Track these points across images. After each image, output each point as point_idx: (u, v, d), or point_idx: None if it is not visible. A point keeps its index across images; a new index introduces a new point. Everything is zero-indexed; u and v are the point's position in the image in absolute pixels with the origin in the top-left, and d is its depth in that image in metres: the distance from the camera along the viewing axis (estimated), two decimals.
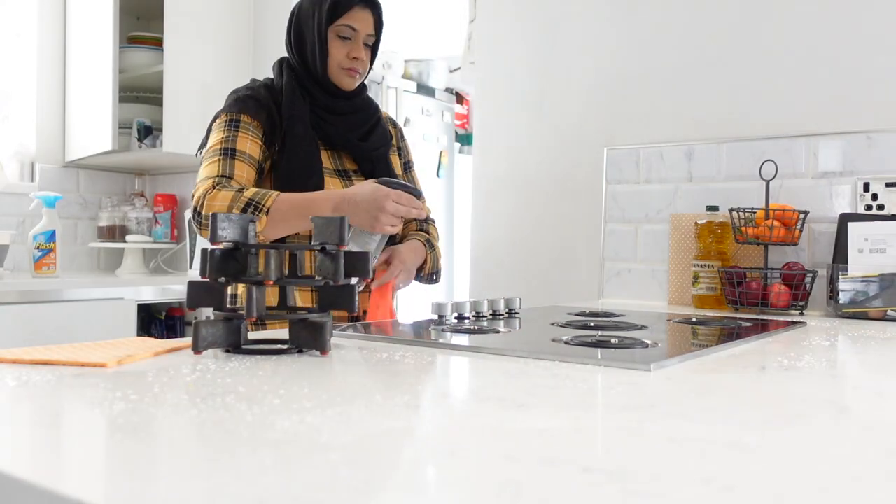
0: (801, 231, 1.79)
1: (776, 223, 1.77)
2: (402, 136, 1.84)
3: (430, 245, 1.71)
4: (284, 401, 0.63)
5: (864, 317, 1.59)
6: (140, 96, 2.94)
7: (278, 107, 1.56)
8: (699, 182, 2.04)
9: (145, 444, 0.51)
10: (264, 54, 2.84)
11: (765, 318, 1.54)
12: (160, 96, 2.64)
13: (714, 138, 2.03)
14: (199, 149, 1.63)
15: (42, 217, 2.42)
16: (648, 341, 1.03)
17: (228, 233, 0.88)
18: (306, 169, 1.53)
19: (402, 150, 1.81)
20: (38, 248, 2.38)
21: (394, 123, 1.83)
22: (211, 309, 0.91)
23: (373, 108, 1.72)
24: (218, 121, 1.56)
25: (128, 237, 2.84)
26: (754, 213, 1.80)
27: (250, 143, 1.52)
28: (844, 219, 1.74)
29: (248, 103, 1.55)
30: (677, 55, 2.12)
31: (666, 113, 2.13)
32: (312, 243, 0.95)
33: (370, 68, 1.66)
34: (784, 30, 1.95)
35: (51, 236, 2.40)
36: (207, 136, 1.59)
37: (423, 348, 0.96)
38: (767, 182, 1.80)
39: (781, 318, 1.55)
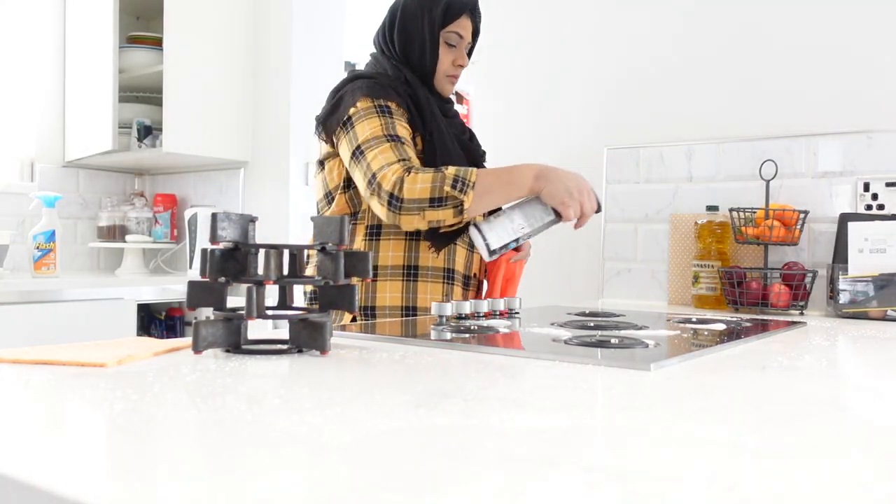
0: (801, 231, 1.79)
1: (776, 223, 1.77)
2: None
3: None
4: (284, 401, 0.63)
5: (864, 317, 1.59)
6: (140, 96, 2.94)
7: (408, 96, 1.50)
8: (699, 182, 2.04)
9: (145, 444, 0.51)
10: (264, 54, 2.84)
11: (765, 318, 1.54)
12: (160, 96, 2.64)
13: (714, 138, 2.03)
14: (321, 123, 1.52)
15: (42, 217, 2.42)
16: (648, 341, 1.03)
17: (228, 233, 0.88)
18: (456, 153, 1.50)
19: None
20: (37, 248, 2.38)
21: None
22: (211, 309, 0.91)
23: (459, 114, 1.69)
24: (361, 105, 1.44)
25: (128, 237, 2.84)
26: (754, 213, 1.80)
27: (404, 131, 1.45)
28: (844, 219, 1.74)
29: (387, 91, 1.47)
30: (677, 55, 2.12)
31: (666, 113, 2.13)
32: (312, 243, 0.95)
33: None
34: (784, 30, 1.95)
35: (51, 236, 2.40)
36: (336, 111, 1.49)
37: (423, 348, 0.96)
38: (767, 182, 1.80)
39: (781, 318, 1.55)
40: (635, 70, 2.19)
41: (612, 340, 1.04)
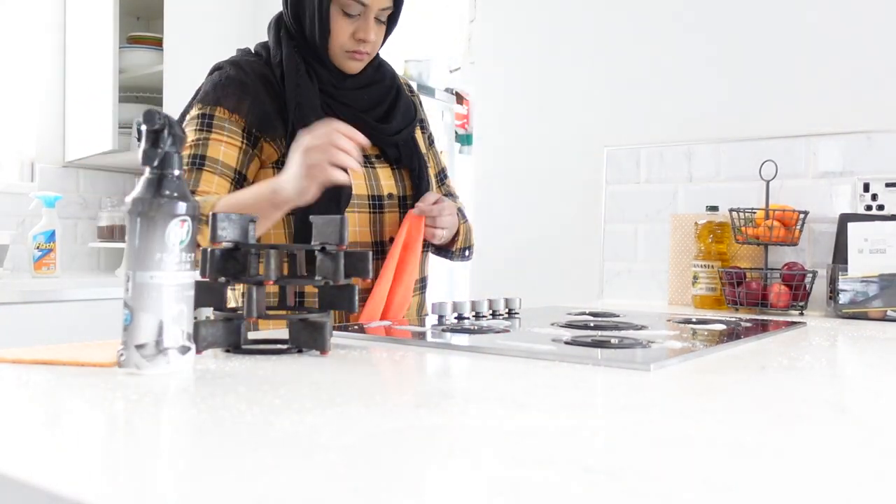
0: (801, 231, 1.79)
1: (776, 223, 1.77)
2: (421, 104, 1.57)
3: (463, 216, 1.50)
4: (284, 401, 0.63)
5: (864, 317, 1.59)
6: (140, 96, 2.94)
7: (274, 84, 1.32)
8: (699, 182, 2.04)
9: (145, 444, 0.51)
10: None
11: (765, 318, 1.54)
12: (160, 96, 2.65)
13: (714, 138, 2.03)
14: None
15: (42, 217, 2.42)
16: (648, 341, 1.03)
17: (228, 233, 0.88)
18: None
19: (425, 123, 1.56)
20: (37, 248, 2.38)
21: (411, 90, 1.55)
22: (211, 309, 0.91)
23: (388, 77, 1.45)
24: (192, 113, 1.32)
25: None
26: (754, 213, 1.80)
27: (224, 148, 1.29)
28: (844, 219, 1.74)
29: (227, 90, 1.31)
30: (677, 55, 2.12)
31: (666, 113, 2.13)
32: (312, 243, 0.95)
33: (383, 43, 1.40)
34: (784, 30, 1.95)
35: (51, 236, 2.40)
36: (180, 125, 1.42)
37: (423, 348, 0.96)
38: (767, 182, 1.80)
39: (781, 319, 1.55)
40: (635, 70, 2.19)
41: (612, 340, 1.04)
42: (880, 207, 1.78)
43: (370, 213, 1.36)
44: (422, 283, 1.49)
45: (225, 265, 0.90)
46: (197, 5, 2.68)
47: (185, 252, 0.75)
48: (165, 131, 0.74)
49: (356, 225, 1.35)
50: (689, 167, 2.06)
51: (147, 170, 0.75)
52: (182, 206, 0.75)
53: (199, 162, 1.28)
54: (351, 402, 0.63)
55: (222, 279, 0.90)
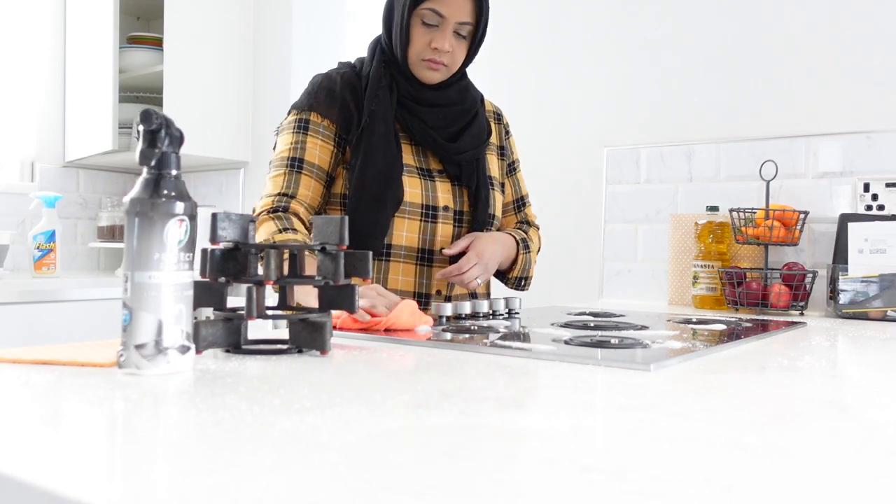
0: (801, 231, 1.79)
1: (776, 223, 1.77)
2: (508, 132, 1.65)
3: (526, 246, 1.55)
4: (284, 401, 0.63)
5: (864, 317, 1.59)
6: (140, 96, 2.94)
7: (359, 92, 1.42)
8: (699, 182, 2.04)
9: (145, 444, 0.51)
10: (264, 54, 2.84)
11: (765, 318, 1.54)
12: (160, 96, 2.64)
13: (714, 138, 2.03)
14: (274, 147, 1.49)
15: (42, 217, 2.42)
16: (648, 341, 1.03)
17: (228, 233, 0.88)
18: (384, 174, 1.38)
19: (506, 150, 1.63)
20: (38, 248, 2.38)
21: (499, 118, 1.63)
22: (211, 309, 0.91)
23: (470, 100, 1.52)
24: (289, 118, 1.45)
25: None
26: (754, 213, 1.80)
27: (320, 151, 1.40)
28: (844, 219, 1.74)
29: (319, 97, 1.42)
30: (677, 55, 2.12)
31: (666, 113, 2.13)
32: (312, 243, 0.95)
33: (469, 61, 1.46)
34: (784, 30, 1.95)
35: (51, 236, 2.40)
36: (276, 131, 1.48)
37: (424, 348, 0.96)
38: (767, 182, 1.80)
39: (781, 319, 1.55)
40: (635, 70, 2.19)
41: (612, 340, 1.04)
42: (880, 207, 1.78)
43: (421, 220, 1.43)
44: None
45: (225, 265, 0.90)
46: (197, 5, 2.68)
47: (183, 252, 0.75)
48: (163, 131, 0.74)
49: (405, 230, 1.42)
50: (689, 167, 2.06)
51: (145, 170, 0.75)
52: (180, 206, 0.75)
53: (297, 165, 1.39)
54: (351, 402, 0.63)
55: (222, 279, 0.90)
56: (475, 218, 1.49)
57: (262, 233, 1.30)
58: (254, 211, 1.37)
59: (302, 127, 1.41)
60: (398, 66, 1.43)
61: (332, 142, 1.41)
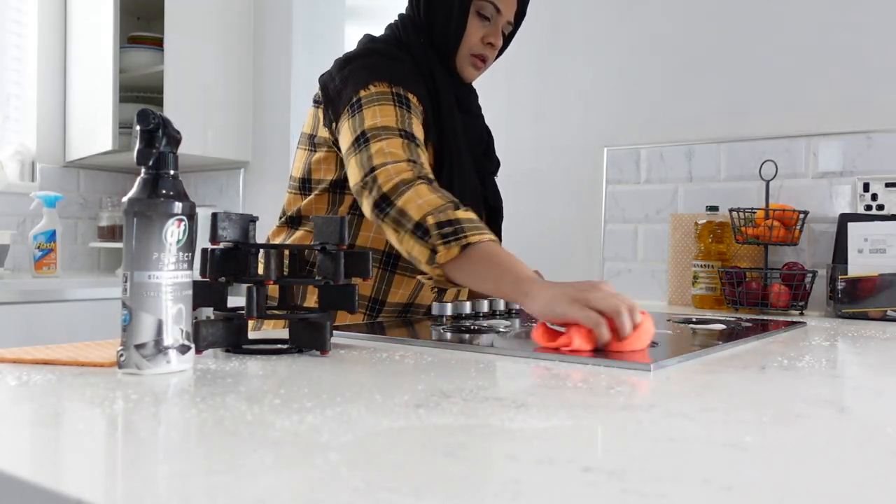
0: (800, 231, 1.79)
1: (776, 223, 1.77)
2: None
3: None
4: (284, 401, 0.63)
5: (863, 317, 1.59)
6: (140, 96, 2.94)
7: (424, 82, 1.30)
8: (699, 182, 2.04)
9: (145, 444, 0.51)
10: (264, 54, 2.84)
11: (765, 318, 1.54)
12: (160, 96, 2.65)
13: (714, 138, 2.03)
14: (330, 101, 1.27)
15: (42, 217, 2.42)
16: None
17: (228, 233, 0.88)
18: (470, 176, 1.30)
19: None
20: (38, 247, 2.38)
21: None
22: (211, 309, 0.91)
23: (482, 117, 1.48)
24: (376, 88, 1.22)
25: None
26: (754, 213, 1.80)
27: (419, 133, 1.23)
28: (844, 219, 1.74)
29: (413, 81, 1.26)
30: (677, 55, 2.12)
31: (666, 113, 2.13)
32: (313, 243, 0.95)
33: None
34: (784, 30, 1.95)
35: (51, 236, 2.40)
36: (345, 87, 1.25)
37: (423, 348, 0.96)
38: (767, 182, 1.80)
39: (781, 319, 1.55)
40: (635, 70, 2.19)
41: None
42: (880, 207, 1.78)
43: None
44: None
45: (225, 265, 0.90)
46: (197, 5, 2.69)
47: (182, 251, 0.75)
48: (160, 131, 0.74)
49: None
50: (689, 167, 2.06)
51: (142, 170, 0.75)
52: (178, 206, 0.75)
53: (412, 138, 1.18)
54: (351, 402, 0.63)
55: (222, 279, 0.90)
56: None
57: (424, 199, 1.07)
58: (375, 178, 1.12)
59: (403, 102, 1.22)
60: (440, 57, 1.33)
61: (422, 129, 1.26)
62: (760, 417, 0.62)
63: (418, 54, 1.32)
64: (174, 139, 0.76)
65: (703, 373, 0.83)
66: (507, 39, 1.41)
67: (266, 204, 2.79)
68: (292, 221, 1.36)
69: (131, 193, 0.75)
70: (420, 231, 1.06)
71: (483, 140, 1.46)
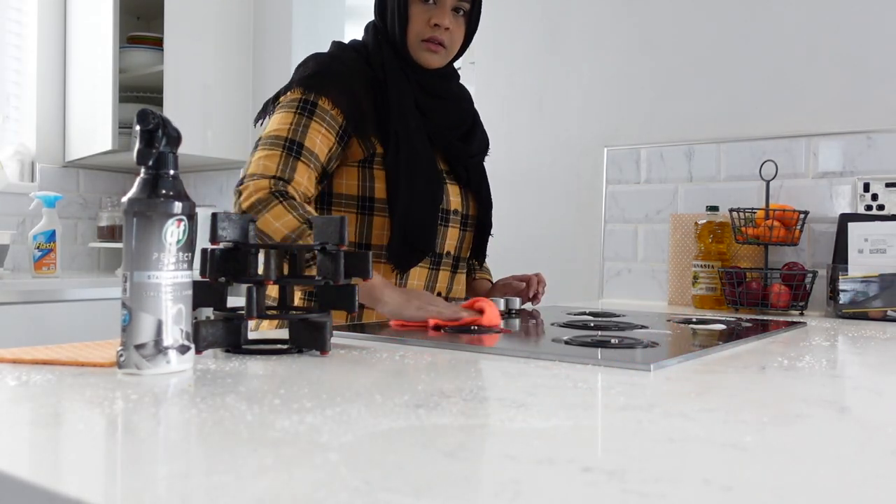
0: (801, 231, 1.79)
1: (776, 223, 1.77)
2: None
3: None
4: (284, 401, 0.63)
5: (864, 317, 1.59)
6: (140, 96, 2.95)
7: (373, 85, 1.33)
8: (699, 182, 2.04)
9: (145, 444, 0.51)
10: (264, 54, 2.84)
11: (765, 318, 1.54)
12: (160, 96, 2.65)
13: (714, 138, 2.03)
14: (257, 119, 1.37)
15: (42, 217, 2.42)
16: (648, 341, 1.03)
17: (228, 233, 0.88)
18: (428, 173, 1.32)
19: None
20: (38, 247, 2.38)
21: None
22: (211, 309, 0.91)
23: (467, 99, 1.48)
24: (290, 95, 1.30)
25: None
26: (754, 213, 1.80)
27: (321, 140, 1.26)
28: (844, 219, 1.74)
29: (331, 82, 1.29)
30: (677, 55, 2.12)
31: (666, 113, 2.13)
32: (313, 243, 0.95)
33: (465, 46, 1.41)
34: (784, 30, 1.95)
35: (51, 236, 2.40)
36: (272, 104, 1.33)
37: (423, 348, 0.96)
38: (767, 182, 1.80)
39: (781, 319, 1.55)
40: (635, 70, 2.19)
41: (612, 340, 1.04)
42: (880, 207, 1.78)
43: (439, 225, 1.38)
44: None
45: (225, 265, 0.90)
46: (197, 5, 2.69)
47: (182, 251, 0.75)
48: (159, 131, 0.74)
49: (382, 228, 1.35)
50: (689, 167, 2.06)
51: (142, 170, 0.75)
52: (178, 206, 0.75)
53: (296, 150, 1.24)
54: (351, 402, 0.63)
55: (222, 279, 0.90)
56: (480, 222, 1.47)
57: (280, 222, 1.15)
58: (240, 192, 1.21)
59: (307, 109, 1.27)
60: (398, 53, 1.35)
61: (335, 133, 1.28)
62: (760, 417, 0.62)
63: (373, 54, 1.36)
64: (174, 139, 0.76)
65: (703, 373, 0.83)
66: (472, 18, 1.39)
67: None
68: None
69: (131, 193, 0.75)
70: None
71: (463, 123, 1.45)
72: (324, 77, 1.30)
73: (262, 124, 1.36)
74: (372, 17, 1.43)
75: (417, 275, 1.38)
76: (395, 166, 1.30)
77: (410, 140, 1.31)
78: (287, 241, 1.14)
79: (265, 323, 1.33)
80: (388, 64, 1.34)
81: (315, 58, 1.36)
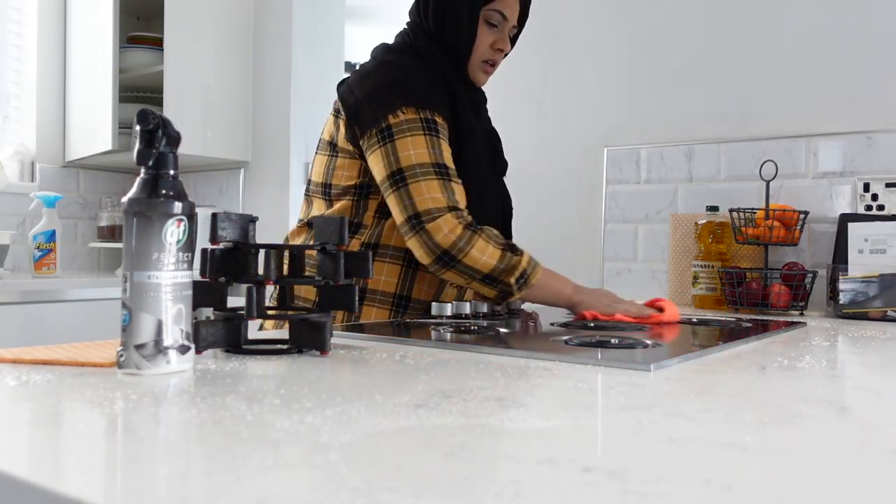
0: (801, 231, 1.79)
1: (776, 223, 1.77)
2: None
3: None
4: (284, 401, 0.63)
5: (864, 317, 1.59)
6: (140, 96, 2.95)
7: (449, 101, 1.36)
8: (699, 182, 2.04)
9: (145, 444, 0.51)
10: (264, 54, 2.84)
11: (765, 318, 1.54)
12: (160, 96, 2.65)
13: (714, 138, 2.03)
14: (355, 117, 1.32)
15: (42, 217, 2.42)
16: (648, 341, 1.03)
17: (228, 233, 0.88)
18: (488, 178, 1.40)
19: None
20: (38, 248, 2.38)
21: None
22: (211, 309, 0.91)
23: (490, 119, 1.55)
24: (404, 116, 1.27)
25: None
26: (754, 213, 1.80)
27: (448, 153, 1.30)
28: (844, 219, 1.74)
29: (435, 96, 1.31)
30: (677, 55, 2.12)
31: (666, 113, 2.13)
32: (313, 243, 0.95)
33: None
34: (784, 30, 1.95)
35: (51, 236, 2.40)
36: (370, 107, 1.30)
37: (423, 348, 0.96)
38: (767, 182, 1.80)
39: (781, 319, 1.54)
40: (635, 70, 2.19)
41: (612, 340, 1.04)
42: (880, 207, 1.78)
43: None
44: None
45: (225, 265, 0.90)
46: (197, 5, 2.68)
47: (182, 251, 0.75)
48: (160, 131, 0.74)
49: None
50: (689, 167, 2.06)
51: (142, 170, 0.75)
52: (178, 206, 0.75)
53: (445, 173, 1.28)
54: (351, 402, 0.63)
55: (222, 279, 0.90)
56: (504, 234, 1.49)
57: (488, 256, 1.23)
58: (428, 231, 1.23)
59: (431, 128, 1.29)
60: (452, 65, 1.38)
61: (448, 143, 1.33)
62: (760, 417, 0.62)
63: (432, 62, 1.37)
64: (174, 139, 0.76)
65: (703, 373, 0.83)
66: (513, 41, 1.47)
67: (266, 204, 2.79)
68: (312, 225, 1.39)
69: (131, 193, 0.75)
70: (489, 280, 1.26)
71: (492, 142, 1.52)
72: (425, 92, 1.31)
73: (358, 135, 1.33)
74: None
75: (387, 271, 1.36)
76: (466, 185, 1.34)
77: (478, 156, 1.38)
78: (495, 271, 1.25)
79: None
80: (448, 75, 1.37)
81: (400, 65, 1.35)
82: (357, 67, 1.44)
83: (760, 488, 0.43)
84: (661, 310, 1.32)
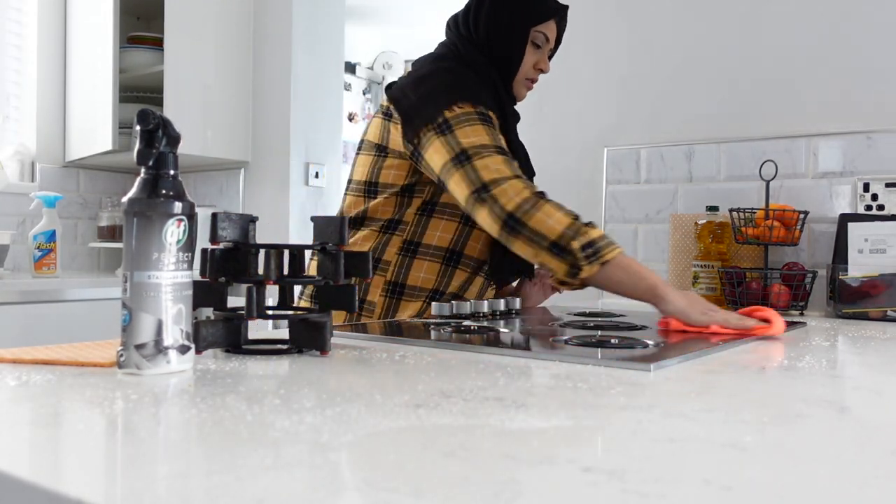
0: (801, 231, 1.79)
1: (776, 223, 1.77)
2: None
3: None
4: (284, 401, 0.63)
5: (864, 317, 1.59)
6: (140, 96, 2.95)
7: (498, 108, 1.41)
8: (699, 182, 2.04)
9: (145, 444, 0.51)
10: (264, 54, 2.84)
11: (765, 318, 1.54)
12: (160, 96, 2.65)
13: (714, 138, 2.03)
14: (408, 116, 1.34)
15: (42, 217, 2.42)
16: (648, 341, 1.03)
17: (228, 233, 0.88)
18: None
19: None
20: (38, 248, 2.38)
21: None
22: (211, 309, 0.91)
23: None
24: (460, 109, 1.30)
25: None
26: (754, 213, 1.80)
27: (505, 144, 1.34)
28: (844, 219, 1.74)
29: (488, 97, 1.37)
30: (677, 55, 2.12)
31: (666, 113, 2.13)
32: (313, 243, 0.95)
33: None
34: (784, 30, 1.95)
35: (51, 236, 2.40)
36: (424, 106, 1.32)
37: (423, 348, 0.96)
38: (767, 182, 1.80)
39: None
40: (635, 70, 2.19)
41: (612, 340, 1.04)
42: (880, 207, 1.78)
43: (459, 223, 1.42)
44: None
45: (225, 265, 0.90)
46: (197, 5, 2.68)
47: (182, 251, 0.75)
48: (160, 131, 0.74)
49: (439, 230, 1.40)
50: (689, 167, 2.06)
51: (142, 170, 0.75)
52: (178, 206, 0.75)
53: (505, 151, 1.29)
54: (351, 402, 0.63)
55: (222, 279, 0.90)
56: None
57: (555, 220, 1.18)
58: (494, 197, 1.21)
59: (487, 120, 1.31)
60: (500, 78, 1.44)
61: None
62: (760, 417, 0.62)
63: (482, 71, 1.41)
64: (174, 139, 0.76)
65: (703, 373, 0.83)
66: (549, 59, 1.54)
67: (266, 204, 2.79)
68: (355, 222, 1.42)
69: (131, 193, 0.75)
70: (557, 249, 1.18)
71: (525, 153, 1.57)
72: (477, 90, 1.35)
73: (410, 137, 1.34)
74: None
75: (426, 268, 1.38)
76: None
77: (525, 171, 1.41)
78: (563, 238, 1.17)
79: None
80: (499, 90, 1.43)
81: (450, 71, 1.39)
82: (406, 73, 1.49)
83: (760, 488, 0.43)
84: (765, 320, 1.16)
